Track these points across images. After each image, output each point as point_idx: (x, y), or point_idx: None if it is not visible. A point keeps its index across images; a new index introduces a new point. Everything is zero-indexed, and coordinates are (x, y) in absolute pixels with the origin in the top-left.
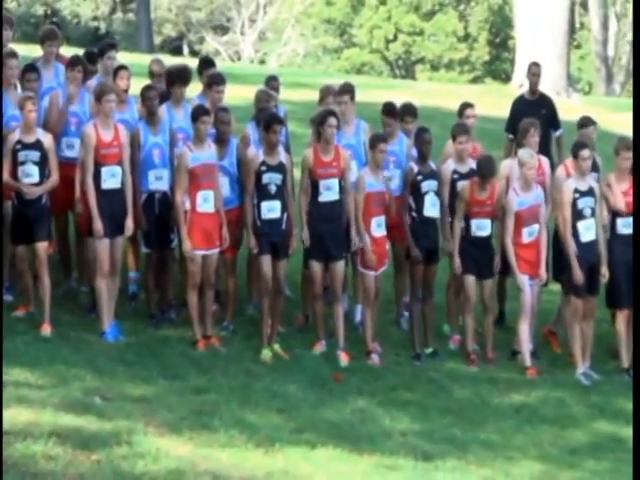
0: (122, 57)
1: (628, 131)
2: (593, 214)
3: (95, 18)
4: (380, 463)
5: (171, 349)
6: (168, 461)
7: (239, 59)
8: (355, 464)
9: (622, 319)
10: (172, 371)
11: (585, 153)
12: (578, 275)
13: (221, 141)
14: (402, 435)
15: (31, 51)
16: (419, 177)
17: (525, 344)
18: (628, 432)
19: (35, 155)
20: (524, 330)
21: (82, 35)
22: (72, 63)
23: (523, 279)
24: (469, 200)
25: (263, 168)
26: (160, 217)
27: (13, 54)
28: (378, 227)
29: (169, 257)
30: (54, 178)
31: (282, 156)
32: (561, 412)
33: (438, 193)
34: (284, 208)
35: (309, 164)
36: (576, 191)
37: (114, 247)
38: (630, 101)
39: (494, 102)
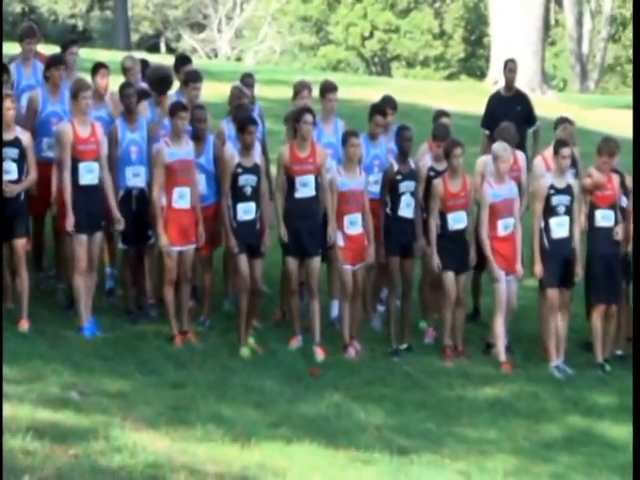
0: (99, 54)
1: (601, 128)
2: (567, 212)
3: (73, 16)
4: (356, 457)
5: (148, 344)
6: (145, 455)
7: (216, 56)
8: (331, 458)
9: (598, 314)
10: (149, 366)
11: (565, 151)
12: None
13: (198, 138)
14: (377, 429)
15: (8, 49)
16: (398, 177)
17: (500, 340)
18: (602, 426)
19: (14, 152)
20: (499, 325)
21: (60, 33)
22: (54, 62)
23: (499, 272)
24: (444, 195)
25: (239, 170)
26: (137, 214)
27: (4, 68)
28: (351, 225)
29: (146, 253)
30: (32, 176)
31: (257, 157)
32: (535, 406)
33: (414, 194)
34: (258, 209)
35: (285, 161)
36: (552, 187)
37: (91, 244)
38: (604, 98)
39: (469, 99)
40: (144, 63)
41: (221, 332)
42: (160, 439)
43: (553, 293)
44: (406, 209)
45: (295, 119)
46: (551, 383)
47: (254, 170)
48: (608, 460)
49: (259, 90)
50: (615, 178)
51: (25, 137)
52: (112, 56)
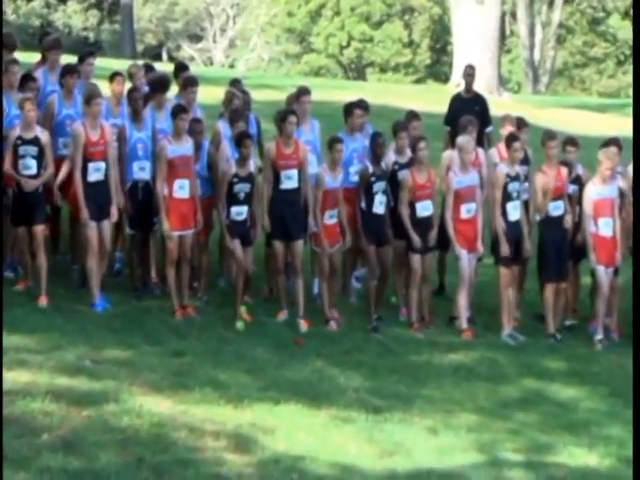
0: (109, 63)
1: (551, 125)
2: (519, 197)
3: (85, 29)
4: (336, 416)
5: (152, 318)
6: (150, 416)
7: (211, 64)
8: (314, 417)
9: (550, 290)
10: (153, 337)
11: (517, 145)
12: (505, 248)
13: (194, 148)
14: (355, 391)
15: (29, 58)
16: (372, 178)
17: (463, 310)
18: (553, 388)
19: (33, 150)
20: (462, 298)
21: (73, 44)
22: (68, 71)
23: (461, 251)
24: (412, 186)
25: (235, 180)
26: (143, 202)
27: (15, 61)
28: (330, 218)
29: (151, 238)
30: (50, 171)
31: (252, 166)
32: (494, 370)
33: (385, 191)
34: (249, 210)
35: (272, 156)
36: (507, 176)
37: (101, 229)
38: (554, 99)
39: (435, 99)
40: (149, 67)
41: (217, 307)
42: (163, 401)
43: (507, 270)
44: (379, 207)
45: (281, 119)
46: (508, 350)
47: (249, 179)
48: (559, 418)
49: (250, 94)
50: (563, 170)
51: (44, 136)
52: (120, 64)
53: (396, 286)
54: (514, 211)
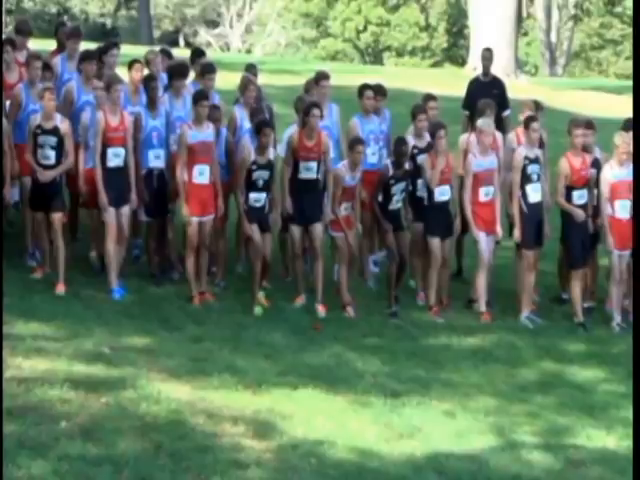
0: (126, 49)
1: (568, 107)
2: (539, 179)
3: (102, 15)
4: (354, 401)
5: (170, 304)
6: (168, 403)
7: (228, 49)
8: (332, 402)
9: (577, 280)
10: (171, 323)
11: (535, 125)
12: (517, 234)
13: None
14: (373, 376)
15: (46, 45)
16: (392, 181)
17: (481, 293)
18: (571, 370)
19: (52, 140)
20: (481, 280)
21: (90, 30)
22: (87, 57)
23: (479, 233)
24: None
25: (254, 167)
26: (158, 190)
27: (37, 56)
28: (345, 210)
29: (167, 224)
30: (69, 160)
31: (271, 154)
32: (512, 353)
33: (403, 191)
34: (267, 196)
35: (294, 145)
36: (526, 158)
37: (120, 216)
38: (571, 81)
39: (452, 83)
40: (166, 53)
41: (234, 292)
42: (181, 387)
43: (529, 253)
44: (396, 204)
45: (305, 112)
46: (526, 333)
47: (268, 166)
48: (577, 400)
49: (268, 79)
50: (588, 158)
51: (64, 126)
52: (137, 50)
53: (414, 270)
54: (534, 193)
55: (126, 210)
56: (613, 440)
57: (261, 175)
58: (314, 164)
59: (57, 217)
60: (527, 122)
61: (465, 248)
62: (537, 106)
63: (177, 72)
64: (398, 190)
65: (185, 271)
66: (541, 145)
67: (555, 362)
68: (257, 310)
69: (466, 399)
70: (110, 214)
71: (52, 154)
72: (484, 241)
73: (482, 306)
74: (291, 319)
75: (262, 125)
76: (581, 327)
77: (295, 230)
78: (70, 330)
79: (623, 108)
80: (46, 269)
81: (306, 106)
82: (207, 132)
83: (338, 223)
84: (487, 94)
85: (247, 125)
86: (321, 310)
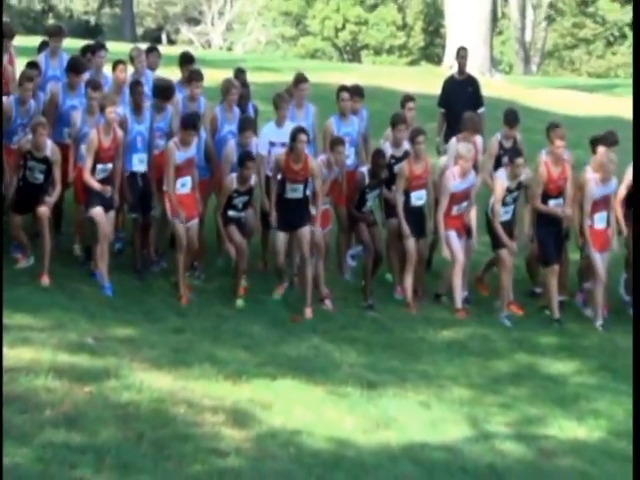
0: (109, 46)
1: (542, 105)
2: (514, 202)
3: (86, 12)
4: (332, 391)
5: (153, 297)
6: (150, 392)
7: (210, 47)
8: (310, 392)
9: (552, 276)
10: (153, 315)
11: (519, 161)
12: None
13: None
14: (350, 367)
15: (30, 42)
16: (367, 190)
17: (458, 291)
18: (544, 363)
19: (42, 167)
20: (457, 279)
21: (75, 27)
22: (74, 69)
23: (449, 233)
24: (409, 176)
25: (235, 194)
26: (143, 188)
27: (35, 65)
28: (324, 204)
29: (151, 221)
30: (57, 190)
31: (252, 181)
32: (486, 346)
33: (376, 198)
34: (246, 211)
35: (281, 165)
36: (507, 189)
37: (107, 219)
38: (545, 79)
39: (428, 81)
40: (153, 49)
41: (215, 285)
42: (163, 377)
43: (504, 253)
44: (367, 208)
45: (291, 137)
46: (500, 326)
47: (248, 192)
48: (549, 392)
49: (248, 76)
50: (568, 168)
51: (54, 156)
52: (120, 47)
53: (391, 264)
54: (506, 215)
55: (112, 214)
56: (584, 431)
57: (241, 200)
58: (301, 186)
59: (43, 210)
60: (511, 157)
61: (437, 243)
62: (513, 119)
63: (162, 94)
64: (372, 197)
65: (177, 273)
66: (519, 153)
67: (528, 354)
68: (239, 303)
69: (441, 390)
70: (101, 216)
71: (41, 177)
72: (455, 239)
73: (458, 303)
74: (270, 311)
75: (244, 159)
76: (556, 323)
77: (280, 237)
78: (55, 321)
79: (595, 106)
80: (27, 256)
81: (292, 132)
82: (192, 149)
83: (315, 218)
84: (462, 92)
85: (227, 128)
86: (308, 313)
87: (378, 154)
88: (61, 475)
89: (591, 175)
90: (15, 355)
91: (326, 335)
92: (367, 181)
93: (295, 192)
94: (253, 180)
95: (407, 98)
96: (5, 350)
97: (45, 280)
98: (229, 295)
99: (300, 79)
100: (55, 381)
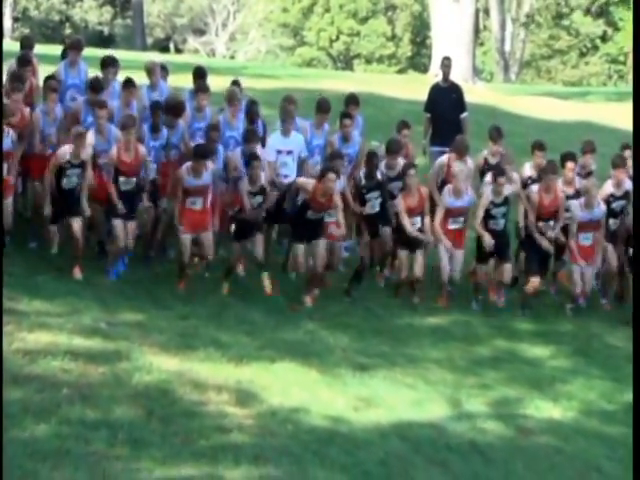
0: (121, 55)
1: (520, 110)
2: (503, 216)
3: (100, 23)
4: (326, 373)
5: (161, 285)
6: (159, 373)
7: (214, 55)
8: (306, 374)
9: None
10: (161, 302)
11: (501, 180)
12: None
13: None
14: (343, 351)
15: (50, 50)
16: (364, 190)
17: (445, 288)
18: (521, 347)
19: (78, 170)
20: (444, 278)
21: (89, 37)
22: (97, 103)
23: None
24: (404, 208)
25: (249, 195)
26: (155, 180)
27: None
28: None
29: (160, 214)
30: (88, 179)
31: (262, 180)
32: (468, 332)
33: (378, 197)
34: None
35: (308, 194)
36: (492, 203)
37: (127, 226)
38: (523, 87)
39: (415, 88)
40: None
41: (219, 275)
42: (170, 360)
43: (484, 266)
44: (371, 209)
45: (321, 174)
46: (481, 313)
47: (260, 192)
48: (526, 375)
49: (249, 82)
50: (560, 193)
51: (87, 156)
52: (132, 56)
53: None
54: (494, 227)
55: (131, 224)
56: (559, 411)
57: (257, 200)
58: (322, 214)
59: (76, 222)
60: (496, 175)
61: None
62: (497, 135)
63: (172, 111)
64: (372, 197)
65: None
66: (502, 172)
67: (507, 340)
68: (225, 286)
69: (426, 372)
70: (120, 228)
71: (76, 180)
72: (443, 249)
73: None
74: (269, 300)
75: (250, 159)
76: (526, 309)
77: (300, 247)
78: (70, 307)
79: (569, 112)
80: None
81: (322, 170)
82: (204, 177)
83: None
84: (446, 98)
85: (229, 133)
86: (308, 301)
87: (371, 156)
88: (77, 449)
89: (575, 202)
90: (34, 339)
91: (321, 322)
92: (363, 182)
93: (317, 216)
94: (263, 179)
95: (403, 125)
96: (24, 334)
97: (77, 274)
98: (233, 284)
99: (288, 100)
100: (71, 362)
